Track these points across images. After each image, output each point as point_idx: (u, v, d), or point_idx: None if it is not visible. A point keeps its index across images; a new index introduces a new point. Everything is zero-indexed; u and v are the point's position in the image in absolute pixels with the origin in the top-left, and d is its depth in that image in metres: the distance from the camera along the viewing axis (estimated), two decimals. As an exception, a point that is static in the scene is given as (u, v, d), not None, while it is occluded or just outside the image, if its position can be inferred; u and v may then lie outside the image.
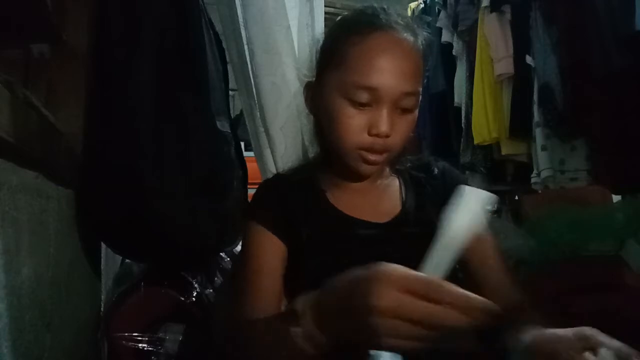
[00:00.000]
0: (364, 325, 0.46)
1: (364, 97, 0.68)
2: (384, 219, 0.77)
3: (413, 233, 0.75)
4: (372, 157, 0.72)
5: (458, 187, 0.54)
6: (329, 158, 0.81)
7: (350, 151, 0.72)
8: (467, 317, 0.43)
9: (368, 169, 0.74)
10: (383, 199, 0.81)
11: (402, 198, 0.81)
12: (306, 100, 0.82)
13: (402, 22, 0.72)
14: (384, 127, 0.69)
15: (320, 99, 0.76)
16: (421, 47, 0.73)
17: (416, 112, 0.74)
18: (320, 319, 0.53)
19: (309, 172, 0.83)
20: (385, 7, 0.75)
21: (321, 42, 0.80)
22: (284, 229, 0.75)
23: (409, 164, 0.86)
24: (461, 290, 0.44)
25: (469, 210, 0.48)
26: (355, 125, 0.70)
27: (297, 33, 1.04)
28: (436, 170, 0.84)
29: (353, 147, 0.71)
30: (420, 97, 0.73)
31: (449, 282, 0.45)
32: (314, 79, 0.80)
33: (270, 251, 0.74)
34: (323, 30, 1.05)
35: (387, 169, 0.85)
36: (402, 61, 0.69)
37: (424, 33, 0.75)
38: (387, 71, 0.68)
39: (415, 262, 0.76)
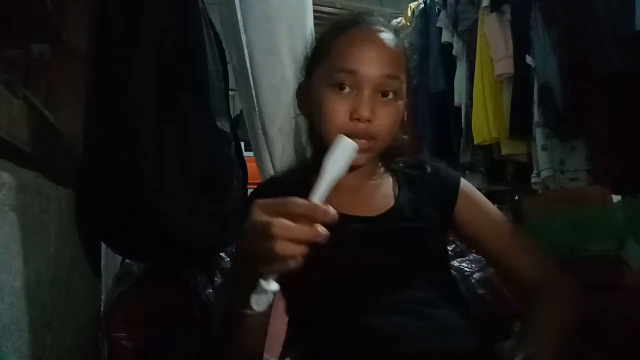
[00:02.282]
0: (250, 256, 0.52)
1: (344, 80, 0.72)
2: (375, 213, 0.78)
3: (405, 225, 0.76)
4: (355, 142, 0.73)
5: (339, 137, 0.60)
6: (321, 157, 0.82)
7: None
8: (316, 229, 0.49)
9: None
10: (376, 195, 0.82)
11: (395, 194, 0.82)
12: (298, 102, 0.85)
13: (382, 21, 0.78)
14: (364, 110, 0.71)
15: (309, 94, 0.79)
16: (403, 44, 0.78)
17: (401, 102, 0.76)
18: (232, 272, 0.58)
19: (302, 173, 0.84)
20: (370, 11, 0.81)
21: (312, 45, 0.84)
22: None
23: (402, 164, 0.87)
24: (308, 202, 0.50)
25: (340, 157, 0.58)
26: (337, 110, 0.72)
27: (296, 35, 1.04)
28: (429, 169, 0.86)
29: (336, 133, 0.72)
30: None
31: (303, 199, 0.50)
32: (303, 80, 0.83)
33: None
34: (313, 31, 1.07)
35: (381, 168, 0.86)
36: (380, 49, 0.73)
37: (409, 37, 0.80)
38: (366, 56, 0.72)
39: (407, 252, 0.76)
